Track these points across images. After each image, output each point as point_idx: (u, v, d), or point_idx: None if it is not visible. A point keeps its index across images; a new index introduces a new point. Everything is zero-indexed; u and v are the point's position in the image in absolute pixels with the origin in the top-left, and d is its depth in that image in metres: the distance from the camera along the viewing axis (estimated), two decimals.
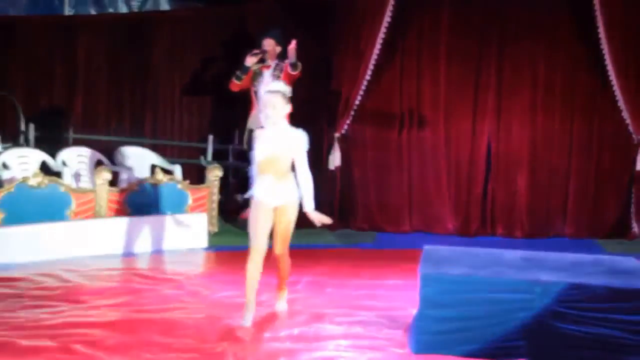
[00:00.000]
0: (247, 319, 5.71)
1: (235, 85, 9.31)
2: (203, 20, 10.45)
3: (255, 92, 9.26)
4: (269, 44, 9.31)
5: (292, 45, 8.88)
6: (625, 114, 9.48)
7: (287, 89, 5.79)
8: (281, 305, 6.11)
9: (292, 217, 5.79)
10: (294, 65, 9.07)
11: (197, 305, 6.18)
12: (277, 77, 9.28)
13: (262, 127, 5.74)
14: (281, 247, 5.87)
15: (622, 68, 9.36)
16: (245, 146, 9.44)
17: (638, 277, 5.05)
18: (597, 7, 9.26)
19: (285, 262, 5.97)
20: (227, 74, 9.68)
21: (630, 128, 9.49)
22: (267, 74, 9.27)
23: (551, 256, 5.65)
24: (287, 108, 5.75)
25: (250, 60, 9.19)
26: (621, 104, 9.46)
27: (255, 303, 5.79)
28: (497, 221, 9.86)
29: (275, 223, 5.78)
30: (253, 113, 9.31)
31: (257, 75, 9.32)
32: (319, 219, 5.75)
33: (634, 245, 9.17)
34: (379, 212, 10.02)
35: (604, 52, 9.36)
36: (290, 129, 5.79)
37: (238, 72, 9.24)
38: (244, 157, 9.83)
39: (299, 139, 5.74)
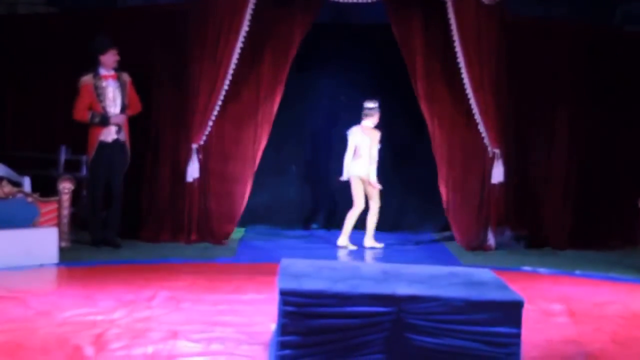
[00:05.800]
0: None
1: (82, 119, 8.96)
2: (52, 25, 10.03)
3: (103, 108, 8.91)
4: (115, 52, 8.97)
5: None
6: (481, 127, 9.67)
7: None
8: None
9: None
10: None
11: (45, 325, 5.84)
12: (123, 89, 8.98)
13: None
14: None
15: (478, 81, 9.54)
16: (90, 160, 9.03)
17: (492, 288, 5.11)
18: (452, 20, 9.42)
19: None
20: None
21: (486, 141, 9.70)
22: (112, 86, 8.96)
23: (409, 269, 5.66)
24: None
25: (118, 119, 8.91)
26: (477, 117, 9.65)
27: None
28: None
29: None
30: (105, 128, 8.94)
31: (100, 88, 8.93)
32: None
33: (490, 257, 9.37)
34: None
35: (460, 65, 9.54)
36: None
37: (97, 120, 8.87)
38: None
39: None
